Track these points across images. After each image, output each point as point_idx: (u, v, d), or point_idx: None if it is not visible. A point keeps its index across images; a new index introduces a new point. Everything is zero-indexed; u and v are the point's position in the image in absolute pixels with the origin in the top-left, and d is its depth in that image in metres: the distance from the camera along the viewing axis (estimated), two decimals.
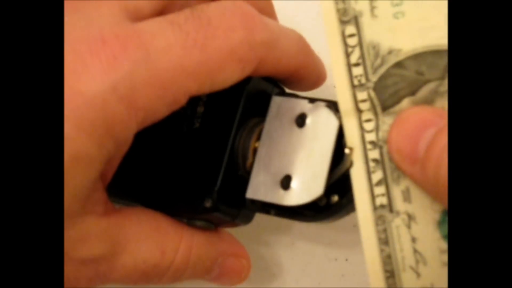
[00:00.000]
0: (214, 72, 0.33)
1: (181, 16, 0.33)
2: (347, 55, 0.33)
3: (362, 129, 0.33)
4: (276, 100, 0.37)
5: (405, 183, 0.33)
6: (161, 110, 0.33)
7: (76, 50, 0.32)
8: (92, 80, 0.31)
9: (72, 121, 0.31)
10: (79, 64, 0.32)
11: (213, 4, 0.34)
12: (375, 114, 0.33)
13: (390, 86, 0.33)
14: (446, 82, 0.32)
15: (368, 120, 0.33)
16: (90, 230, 0.34)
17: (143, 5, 0.34)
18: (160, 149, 0.38)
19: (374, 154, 0.33)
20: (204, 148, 0.37)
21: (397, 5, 0.32)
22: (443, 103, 0.32)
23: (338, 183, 0.34)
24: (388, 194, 0.33)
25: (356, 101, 0.33)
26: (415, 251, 0.33)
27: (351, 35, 0.33)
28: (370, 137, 0.33)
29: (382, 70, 0.33)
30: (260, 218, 0.39)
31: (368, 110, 0.33)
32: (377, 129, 0.33)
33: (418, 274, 0.33)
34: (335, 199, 0.35)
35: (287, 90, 0.38)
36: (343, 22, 0.33)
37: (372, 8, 0.33)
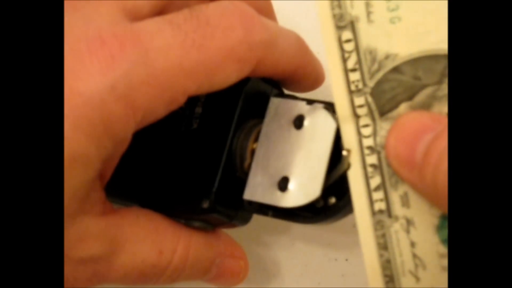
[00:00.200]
0: (212, 72, 0.33)
1: (180, 16, 0.33)
2: (344, 60, 0.33)
3: (359, 134, 0.33)
4: (274, 102, 0.37)
5: (403, 188, 0.33)
6: (159, 109, 0.33)
7: (74, 49, 0.32)
8: (91, 79, 0.31)
9: (70, 121, 0.31)
10: (77, 64, 0.32)
11: (211, 4, 0.34)
12: (373, 119, 0.33)
13: (387, 91, 0.33)
14: (443, 86, 0.32)
15: (366, 126, 0.33)
16: (88, 230, 0.34)
17: (142, 5, 0.34)
18: (158, 150, 0.38)
19: (372, 159, 0.33)
20: (202, 148, 0.37)
21: (393, 10, 0.32)
22: (440, 108, 0.32)
23: (336, 185, 0.34)
24: (386, 199, 0.33)
25: (353, 107, 0.33)
26: (414, 255, 0.33)
27: (348, 41, 0.33)
28: (367, 142, 0.33)
29: (379, 75, 0.33)
30: (258, 218, 0.39)
31: (366, 115, 0.33)
32: (374, 134, 0.33)
33: (417, 279, 0.33)
34: (333, 201, 0.35)
35: (286, 91, 0.38)
36: (339, 28, 0.33)
37: (368, 13, 0.33)
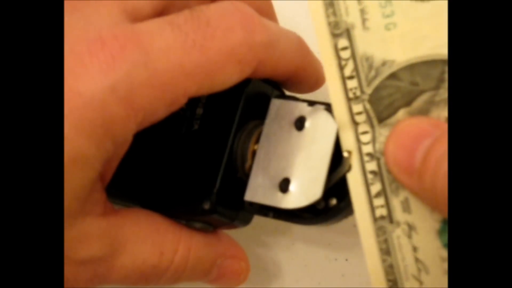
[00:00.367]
0: (213, 73, 0.33)
1: (181, 17, 0.33)
2: (341, 68, 0.33)
3: (359, 141, 0.33)
4: (275, 103, 0.36)
5: (404, 194, 0.33)
6: (160, 111, 0.33)
7: (75, 50, 0.32)
8: (91, 80, 0.31)
9: (71, 122, 0.31)
10: (78, 65, 0.32)
11: (212, 5, 0.34)
12: (371, 126, 0.33)
13: (385, 98, 0.33)
14: (440, 92, 0.32)
15: (365, 132, 0.33)
16: (89, 231, 0.34)
17: (142, 5, 0.34)
18: (159, 151, 0.38)
19: (371, 166, 0.33)
20: (203, 150, 0.37)
21: (388, 16, 0.32)
22: (438, 113, 0.32)
23: (337, 187, 0.34)
24: (387, 205, 0.33)
25: (352, 114, 0.33)
26: (417, 260, 0.33)
27: (344, 48, 0.33)
28: (367, 149, 0.33)
29: (376, 82, 0.33)
30: (259, 219, 0.39)
31: (364, 122, 0.33)
32: (373, 141, 0.33)
33: (420, 282, 0.33)
34: (334, 202, 0.35)
35: (287, 93, 0.38)
36: (335, 35, 0.33)
37: (364, 20, 0.33)
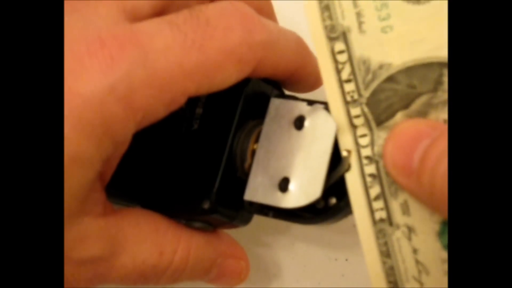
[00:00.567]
0: (212, 73, 0.33)
1: (180, 16, 0.33)
2: (338, 71, 0.33)
3: (357, 144, 0.33)
4: (275, 102, 0.36)
5: (403, 196, 0.33)
6: (159, 110, 0.33)
7: (74, 50, 0.32)
8: (90, 80, 0.31)
9: (70, 122, 0.31)
10: (77, 65, 0.32)
11: (211, 5, 0.34)
12: (370, 129, 0.33)
13: (383, 101, 0.33)
14: (438, 94, 0.32)
15: (363, 136, 0.33)
16: (89, 231, 0.34)
17: (142, 5, 0.34)
18: (159, 151, 0.38)
19: (370, 169, 0.33)
20: (202, 149, 0.37)
21: (384, 19, 0.32)
22: (437, 115, 0.32)
23: (336, 186, 0.34)
24: (386, 208, 0.33)
25: (350, 117, 0.33)
26: (417, 262, 0.33)
27: (341, 52, 0.33)
28: (365, 152, 0.33)
29: (374, 85, 0.33)
30: (259, 219, 0.39)
31: (363, 125, 0.33)
32: (372, 144, 0.33)
33: (421, 284, 0.33)
34: (333, 201, 0.35)
35: (286, 92, 0.38)
36: (331, 39, 0.33)
37: (360, 24, 0.33)
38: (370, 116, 0.33)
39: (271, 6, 0.38)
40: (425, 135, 0.31)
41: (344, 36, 0.33)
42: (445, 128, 0.31)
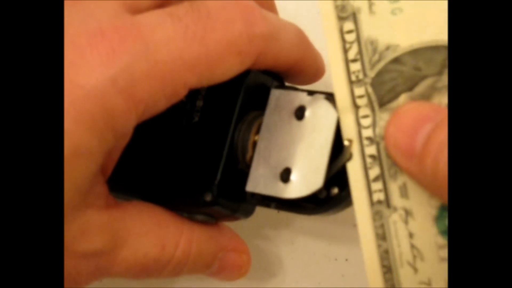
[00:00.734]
0: (213, 65, 0.33)
1: (181, 8, 0.33)
2: (345, 51, 0.33)
3: (359, 125, 0.33)
4: (275, 93, 0.37)
5: (402, 179, 0.33)
6: (160, 102, 0.33)
7: (75, 43, 0.32)
8: (91, 73, 0.31)
9: (71, 114, 0.31)
10: (78, 57, 0.32)
11: None
12: (372, 110, 0.33)
13: (387, 82, 0.33)
14: (443, 77, 0.32)
15: (365, 116, 0.33)
16: (91, 224, 0.34)
17: None
18: (160, 144, 0.38)
19: (371, 150, 0.33)
20: (203, 142, 0.37)
21: (394, 1, 0.33)
22: (440, 99, 0.32)
23: (338, 176, 0.34)
24: (385, 190, 0.33)
25: (353, 97, 0.33)
26: (413, 246, 0.33)
27: (349, 31, 0.33)
28: (367, 133, 0.33)
29: (379, 66, 0.33)
30: (261, 215, 0.39)
31: (365, 106, 0.33)
32: (374, 125, 0.33)
33: (415, 270, 0.33)
34: (335, 191, 0.35)
35: (286, 84, 0.38)
36: (341, 19, 0.33)
37: (370, 5, 0.33)
38: (373, 97, 0.33)
39: None
40: (428, 119, 0.31)
41: (354, 16, 0.33)
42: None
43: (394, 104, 0.33)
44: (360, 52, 0.33)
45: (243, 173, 0.36)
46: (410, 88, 0.33)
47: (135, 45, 0.32)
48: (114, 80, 0.31)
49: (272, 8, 0.38)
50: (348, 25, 0.33)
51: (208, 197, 0.36)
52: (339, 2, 0.33)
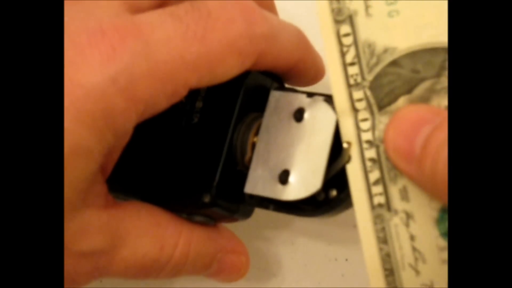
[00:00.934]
0: (213, 65, 0.33)
1: (181, 8, 0.33)
2: (343, 54, 0.33)
3: (358, 128, 0.33)
4: (275, 95, 0.37)
5: (402, 182, 0.33)
6: (160, 102, 0.33)
7: (75, 41, 0.32)
8: (92, 72, 0.31)
9: (71, 113, 0.31)
10: (78, 56, 0.32)
11: None
12: (371, 113, 0.33)
13: (386, 85, 0.33)
14: (442, 79, 0.32)
15: (364, 120, 0.33)
16: (90, 223, 0.34)
17: None
18: (159, 145, 0.38)
19: (370, 153, 0.33)
20: (202, 143, 0.37)
21: (391, 3, 0.33)
22: (439, 101, 0.32)
23: (337, 178, 0.34)
24: (385, 193, 0.33)
25: (352, 100, 0.33)
26: (414, 249, 0.33)
27: (346, 35, 0.33)
28: (366, 136, 0.33)
29: (377, 69, 0.33)
30: (260, 216, 0.39)
31: (364, 109, 0.33)
32: (373, 128, 0.33)
33: (417, 272, 0.33)
34: (334, 193, 0.35)
35: (286, 85, 0.38)
36: (338, 22, 0.33)
37: (367, 7, 0.33)
38: (372, 100, 0.33)
39: None
40: (427, 121, 0.31)
41: (350, 19, 0.33)
42: (447, 114, 0.31)
43: (393, 107, 0.33)
44: (357, 55, 0.33)
45: (242, 174, 0.36)
46: (408, 91, 0.33)
47: (135, 45, 0.32)
48: (114, 79, 0.31)
49: (272, 9, 0.38)
50: (345, 28, 0.33)
51: (207, 198, 0.36)
52: (335, 5, 0.33)
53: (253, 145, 0.36)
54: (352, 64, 0.33)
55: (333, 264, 0.44)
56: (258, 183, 0.36)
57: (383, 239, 0.33)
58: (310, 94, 0.36)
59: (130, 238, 0.35)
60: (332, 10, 0.33)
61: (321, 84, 0.38)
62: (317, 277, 0.44)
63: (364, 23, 0.33)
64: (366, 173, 0.33)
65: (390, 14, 0.33)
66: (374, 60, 0.33)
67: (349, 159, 0.33)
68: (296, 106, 0.36)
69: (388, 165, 0.33)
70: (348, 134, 0.33)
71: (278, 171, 0.35)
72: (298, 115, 0.36)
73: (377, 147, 0.33)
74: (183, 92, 0.33)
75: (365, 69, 0.33)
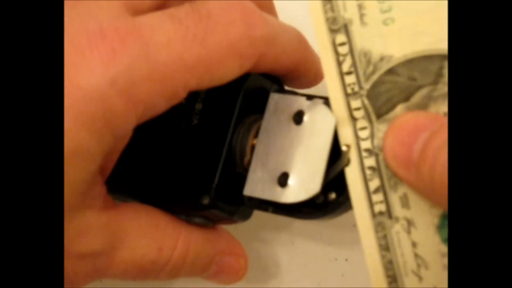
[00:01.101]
0: (213, 67, 0.33)
1: (181, 10, 0.33)
2: (339, 63, 0.33)
3: (357, 137, 0.33)
4: (274, 97, 0.37)
5: (402, 189, 0.33)
6: (160, 104, 0.33)
7: (75, 43, 0.32)
8: (91, 73, 0.31)
9: (71, 115, 0.31)
10: (78, 58, 0.32)
11: None
12: (370, 121, 0.33)
13: (383, 93, 0.33)
14: (439, 86, 0.32)
15: (363, 128, 0.33)
16: (89, 225, 0.34)
17: None
18: (159, 146, 0.38)
19: (370, 161, 0.33)
20: (202, 145, 0.37)
21: (386, 11, 0.33)
22: (437, 108, 0.32)
23: (336, 181, 0.34)
24: (386, 201, 0.33)
25: (350, 109, 0.33)
26: (416, 255, 0.33)
27: (342, 44, 0.33)
28: (365, 144, 0.33)
29: (374, 78, 0.33)
30: (259, 218, 0.39)
31: (363, 118, 0.33)
32: (372, 136, 0.33)
33: (420, 278, 0.33)
34: (333, 196, 0.35)
35: (285, 88, 0.38)
36: (333, 31, 0.33)
37: (362, 16, 0.33)
38: (370, 109, 0.33)
39: (271, 1, 0.38)
40: (424, 128, 0.32)
41: (345, 28, 0.33)
42: (445, 120, 0.31)
43: (391, 115, 0.33)
44: (354, 64, 0.33)
45: (241, 177, 0.36)
46: (406, 99, 0.33)
47: (135, 46, 0.32)
48: (114, 81, 0.32)
49: (272, 11, 0.38)
50: (341, 38, 0.33)
51: (206, 200, 0.36)
52: (329, 14, 0.33)
53: (253, 147, 0.36)
54: (349, 73, 0.33)
55: (333, 264, 0.44)
56: (257, 185, 0.36)
57: (385, 247, 0.33)
58: (310, 97, 0.36)
59: (129, 240, 0.35)
60: (327, 20, 0.33)
61: (320, 86, 0.38)
62: (317, 277, 0.44)
63: (360, 31, 0.33)
64: (366, 181, 0.33)
65: (385, 22, 0.33)
66: (370, 68, 0.33)
67: (348, 162, 0.33)
68: (295, 108, 0.36)
69: (388, 173, 0.33)
70: (347, 143, 0.33)
71: (277, 173, 0.35)
72: (298, 117, 0.36)
73: (377, 155, 0.33)
74: (182, 94, 0.33)
75: (362, 78, 0.33)
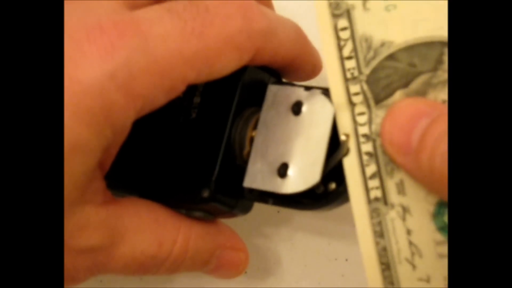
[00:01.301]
0: (212, 60, 0.33)
1: (179, 4, 0.33)
2: (340, 48, 0.33)
3: (355, 122, 0.33)
4: (272, 89, 0.37)
5: (399, 175, 0.33)
6: (159, 98, 0.33)
7: (74, 37, 0.32)
8: (90, 67, 0.31)
9: (70, 109, 0.31)
10: (76, 52, 0.32)
11: None
12: (368, 107, 0.33)
13: (382, 79, 0.33)
14: (438, 73, 0.32)
15: (361, 113, 0.33)
16: (89, 220, 0.34)
17: None
18: (157, 140, 0.38)
19: (367, 147, 0.33)
20: (201, 138, 0.37)
21: None
22: (435, 95, 0.33)
23: (336, 171, 0.34)
24: (382, 187, 0.33)
25: (349, 94, 0.33)
26: (411, 243, 0.33)
27: (344, 29, 0.33)
28: (363, 130, 0.33)
29: (374, 63, 0.33)
30: (259, 213, 0.39)
31: (361, 103, 0.33)
32: (370, 122, 0.33)
33: (413, 266, 0.33)
34: (333, 186, 0.35)
35: (283, 80, 0.38)
36: (335, 16, 0.33)
37: (364, 1, 0.33)
38: (369, 94, 0.33)
39: None
40: (424, 114, 0.32)
41: (348, 13, 0.33)
42: (444, 108, 0.31)
43: (390, 101, 0.33)
44: (354, 49, 0.33)
45: (241, 169, 0.36)
46: (405, 85, 0.33)
47: (133, 40, 0.32)
48: (112, 75, 0.32)
49: (269, 5, 0.38)
50: (342, 22, 0.33)
51: (206, 193, 0.36)
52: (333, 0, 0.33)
53: (252, 139, 0.36)
54: (349, 58, 0.33)
55: (333, 264, 0.44)
56: (257, 177, 0.36)
57: (379, 233, 0.33)
58: (308, 88, 0.36)
59: (129, 234, 0.35)
60: (330, 4, 0.33)
61: (318, 79, 0.39)
62: (317, 277, 0.44)
63: (362, 17, 0.33)
64: (362, 167, 0.33)
65: (387, 8, 0.33)
66: (371, 54, 0.33)
67: (347, 152, 0.33)
68: (294, 99, 0.36)
69: (385, 159, 0.33)
70: (345, 127, 0.33)
71: (277, 164, 0.35)
72: (296, 108, 0.36)
73: (374, 141, 0.33)
74: (181, 88, 0.34)
75: (362, 63, 0.33)
